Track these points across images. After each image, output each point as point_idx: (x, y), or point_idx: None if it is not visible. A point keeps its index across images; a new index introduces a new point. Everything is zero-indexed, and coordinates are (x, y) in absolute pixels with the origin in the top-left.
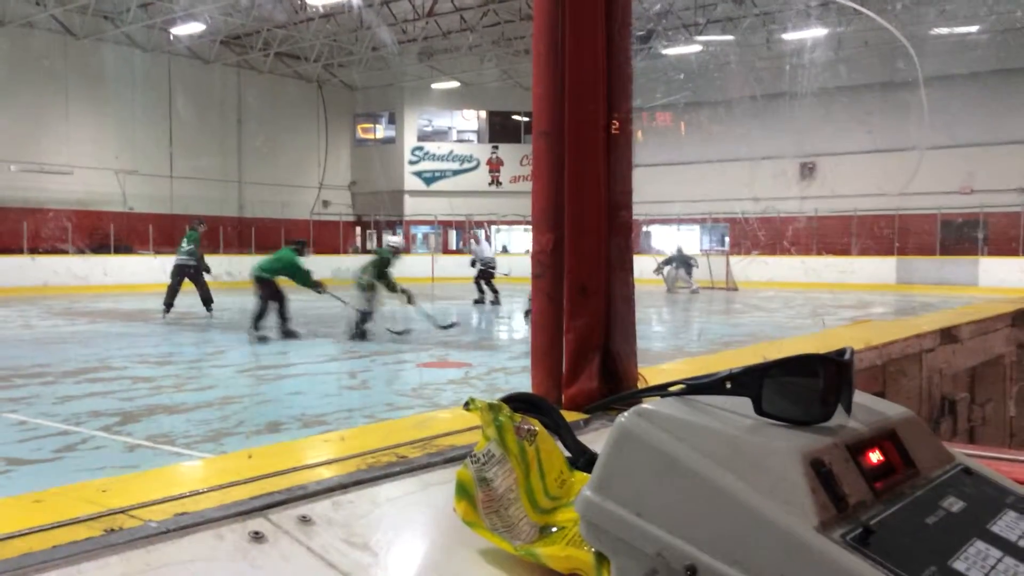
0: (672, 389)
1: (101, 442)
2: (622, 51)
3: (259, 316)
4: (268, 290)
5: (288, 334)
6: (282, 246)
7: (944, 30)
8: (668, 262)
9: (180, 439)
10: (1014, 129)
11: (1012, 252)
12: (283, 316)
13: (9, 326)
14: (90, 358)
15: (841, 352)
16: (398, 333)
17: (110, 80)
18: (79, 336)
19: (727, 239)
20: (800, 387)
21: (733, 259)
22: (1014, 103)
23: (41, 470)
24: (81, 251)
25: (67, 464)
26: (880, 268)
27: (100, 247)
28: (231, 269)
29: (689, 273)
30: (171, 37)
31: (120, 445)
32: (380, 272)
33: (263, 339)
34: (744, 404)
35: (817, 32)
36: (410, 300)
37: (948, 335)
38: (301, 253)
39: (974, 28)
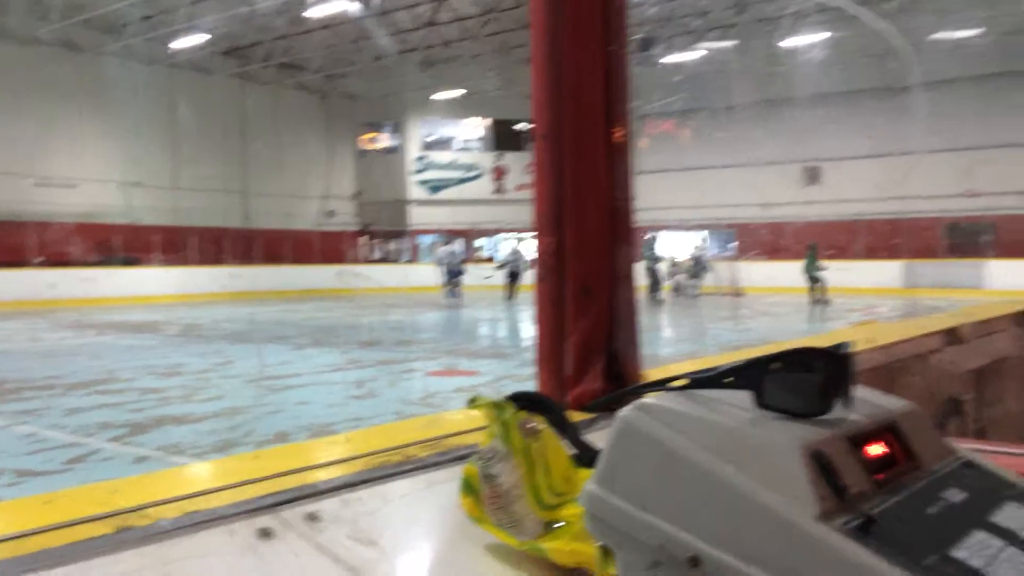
0: (674, 384)
1: (110, 453)
2: (619, 56)
3: None
4: None
5: None
6: (287, 256)
7: (944, 34)
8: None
9: (189, 450)
10: (1016, 132)
11: (1018, 254)
12: None
13: (18, 339)
14: (99, 370)
15: (840, 345)
16: None
17: (113, 93)
18: (88, 348)
19: (732, 244)
20: (800, 380)
21: (739, 264)
22: (1015, 105)
23: (51, 481)
24: (88, 263)
25: (77, 475)
26: (886, 272)
27: (107, 259)
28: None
29: (699, 277)
30: (172, 50)
31: (130, 456)
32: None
33: None
34: (745, 397)
35: (818, 37)
36: None
37: (953, 335)
38: None
39: (974, 31)
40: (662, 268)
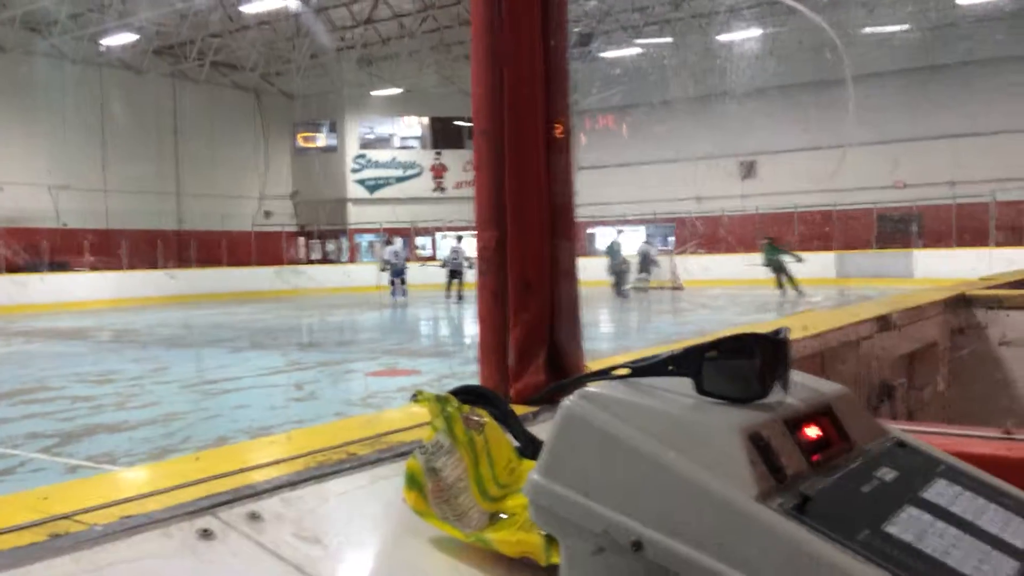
0: (616, 372)
1: (41, 464)
2: (559, 52)
3: None
4: None
5: None
6: (224, 258)
7: (873, 29)
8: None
9: (123, 458)
10: (941, 123)
11: (945, 243)
12: None
13: None
14: (27, 379)
15: (777, 331)
16: None
17: (40, 94)
18: (15, 357)
19: (671, 239)
20: (739, 366)
21: (677, 258)
22: (940, 98)
23: None
24: (14, 270)
25: (5, 487)
26: (820, 263)
27: (35, 264)
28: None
29: (647, 271)
30: (102, 48)
31: (61, 467)
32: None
33: None
34: (685, 384)
35: (752, 32)
36: None
37: (884, 322)
38: None
39: (902, 27)
40: (626, 268)
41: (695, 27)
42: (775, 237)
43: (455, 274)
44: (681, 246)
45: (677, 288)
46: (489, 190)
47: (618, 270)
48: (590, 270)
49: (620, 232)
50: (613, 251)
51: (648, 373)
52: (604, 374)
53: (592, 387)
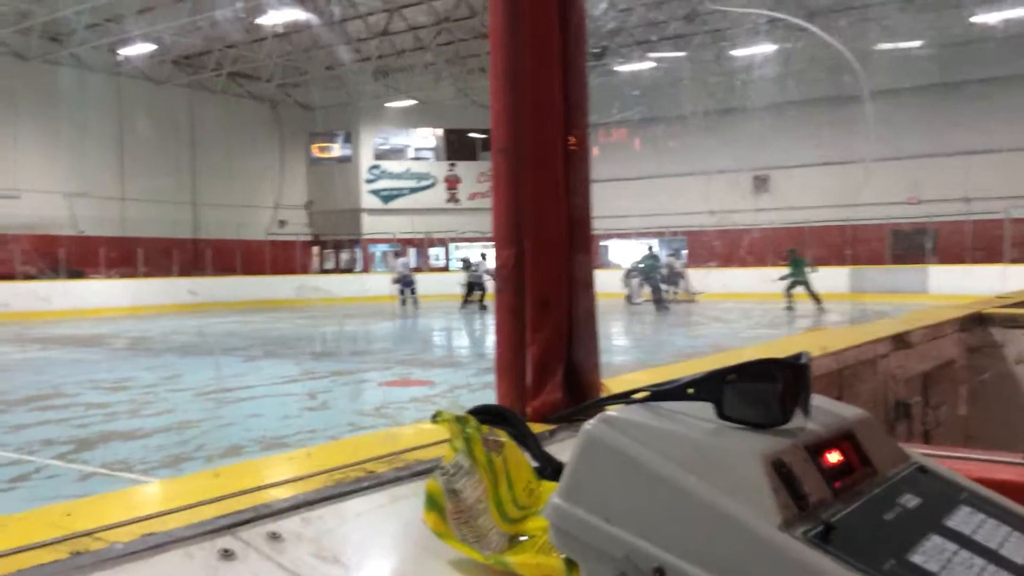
0: (636, 396)
1: (55, 471)
2: (577, 68)
3: None
4: None
5: None
6: (238, 267)
7: (888, 45)
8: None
9: (137, 465)
10: (956, 140)
11: (959, 259)
12: None
13: None
14: (42, 385)
15: (798, 356)
16: None
17: (59, 102)
18: (31, 363)
19: (684, 252)
20: (760, 391)
21: (691, 271)
22: (955, 115)
23: None
24: (30, 276)
25: (21, 494)
26: (834, 278)
27: (51, 271)
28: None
29: (676, 284)
30: (121, 58)
31: (75, 473)
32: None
33: None
34: (706, 409)
35: (766, 48)
36: None
37: (901, 340)
38: None
39: (917, 43)
40: (662, 281)
41: (708, 42)
42: (796, 248)
43: (472, 287)
44: (694, 260)
45: (691, 301)
46: (507, 207)
47: (655, 283)
48: (607, 284)
49: (651, 248)
50: (652, 264)
51: (668, 397)
52: (624, 397)
53: (612, 411)
